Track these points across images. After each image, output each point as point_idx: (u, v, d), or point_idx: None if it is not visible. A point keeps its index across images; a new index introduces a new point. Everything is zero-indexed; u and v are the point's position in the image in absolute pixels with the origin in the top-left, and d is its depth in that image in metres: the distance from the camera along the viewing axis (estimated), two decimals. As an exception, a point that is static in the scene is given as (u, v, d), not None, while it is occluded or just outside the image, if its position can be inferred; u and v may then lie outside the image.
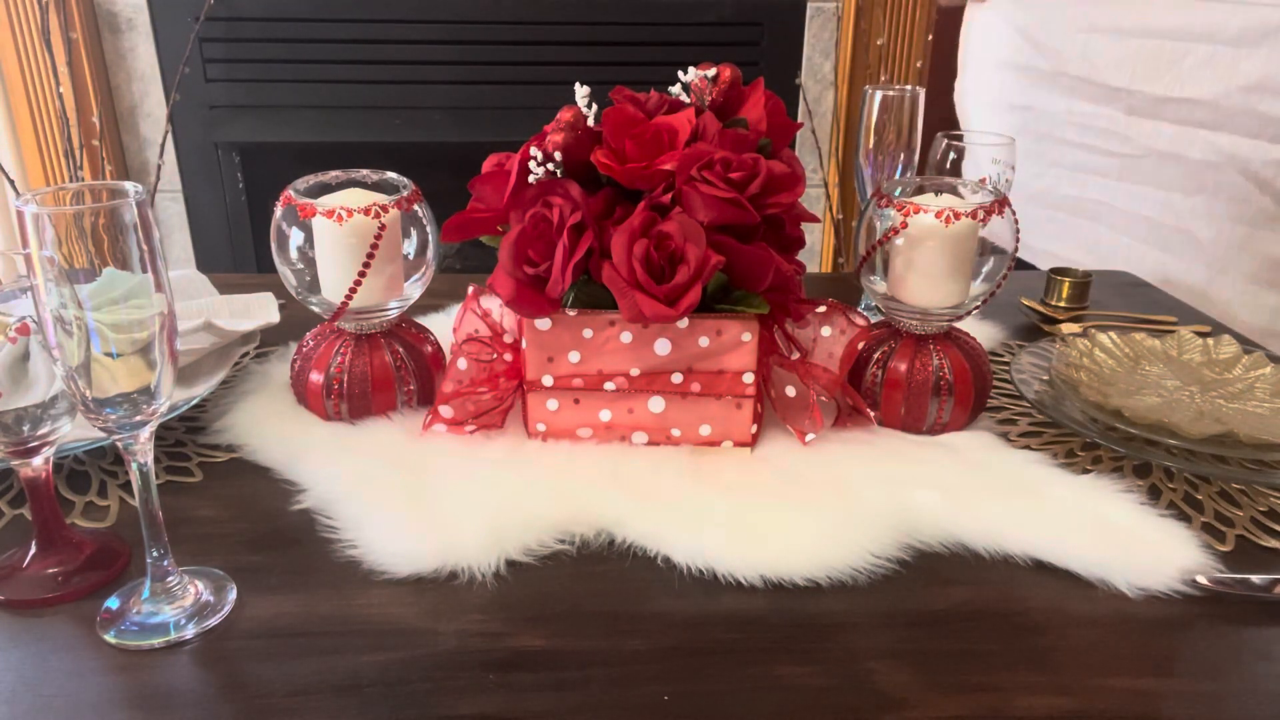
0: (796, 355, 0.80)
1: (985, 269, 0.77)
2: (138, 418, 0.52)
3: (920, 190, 0.79)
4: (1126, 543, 0.64)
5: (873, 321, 0.82)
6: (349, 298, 0.75)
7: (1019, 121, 1.34)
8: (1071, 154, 1.29)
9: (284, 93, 1.94)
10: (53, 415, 0.58)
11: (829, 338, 0.81)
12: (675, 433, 0.75)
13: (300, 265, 0.77)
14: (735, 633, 0.56)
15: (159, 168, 1.91)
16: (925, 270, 0.75)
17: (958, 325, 0.80)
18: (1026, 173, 1.30)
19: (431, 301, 1.01)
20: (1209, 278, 1.21)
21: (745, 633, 0.56)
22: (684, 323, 0.71)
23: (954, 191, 0.78)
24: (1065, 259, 1.32)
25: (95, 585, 0.59)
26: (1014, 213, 0.76)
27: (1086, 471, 0.72)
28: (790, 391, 0.79)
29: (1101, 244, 1.29)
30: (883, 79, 1.99)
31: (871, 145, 0.98)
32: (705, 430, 0.74)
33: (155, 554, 0.56)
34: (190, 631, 0.55)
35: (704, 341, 0.72)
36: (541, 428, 0.75)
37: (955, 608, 0.59)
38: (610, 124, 0.72)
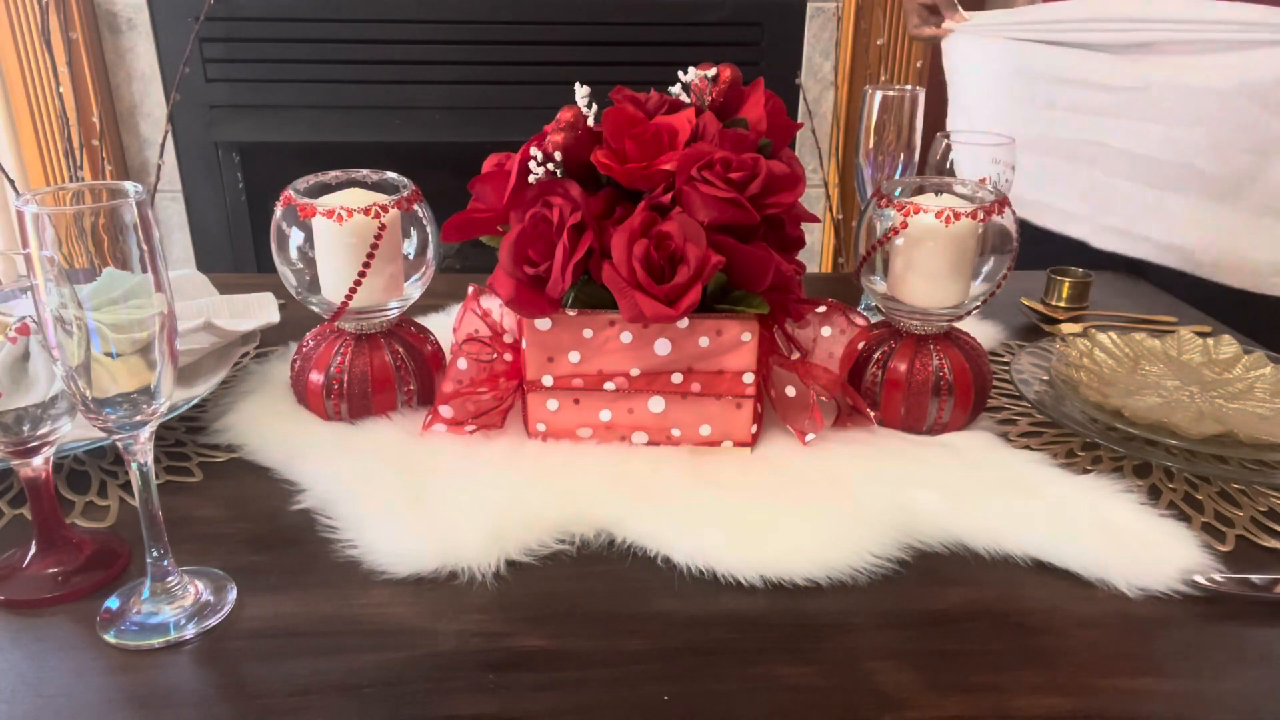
0: (796, 355, 0.80)
1: (985, 269, 0.77)
2: (138, 418, 0.52)
3: (920, 190, 0.79)
4: (1126, 543, 0.64)
5: (873, 321, 0.82)
6: (349, 298, 0.75)
7: (1013, 64, 1.30)
8: (1067, 93, 1.24)
9: (284, 93, 1.94)
10: (53, 415, 0.58)
11: (829, 338, 0.81)
12: (675, 433, 0.75)
13: (300, 265, 0.77)
14: (735, 633, 0.56)
15: (159, 168, 1.91)
16: (925, 270, 0.75)
17: (958, 325, 0.80)
18: (1018, 118, 1.27)
19: (431, 301, 1.01)
20: (1214, 211, 1.15)
21: (745, 633, 0.56)
22: (684, 323, 0.71)
23: (954, 191, 0.78)
24: (1060, 209, 1.28)
25: (95, 585, 0.59)
26: (1014, 212, 0.76)
27: (1086, 471, 0.72)
28: (790, 391, 0.79)
29: (1097, 188, 1.25)
30: (883, 79, 1.99)
31: (871, 145, 0.98)
32: (705, 430, 0.74)
33: (155, 554, 0.56)
34: (190, 631, 0.55)
35: (704, 341, 0.72)
36: (541, 428, 0.75)
37: (955, 608, 0.59)
38: (610, 124, 0.72)
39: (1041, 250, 1.32)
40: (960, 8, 1.30)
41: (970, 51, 1.32)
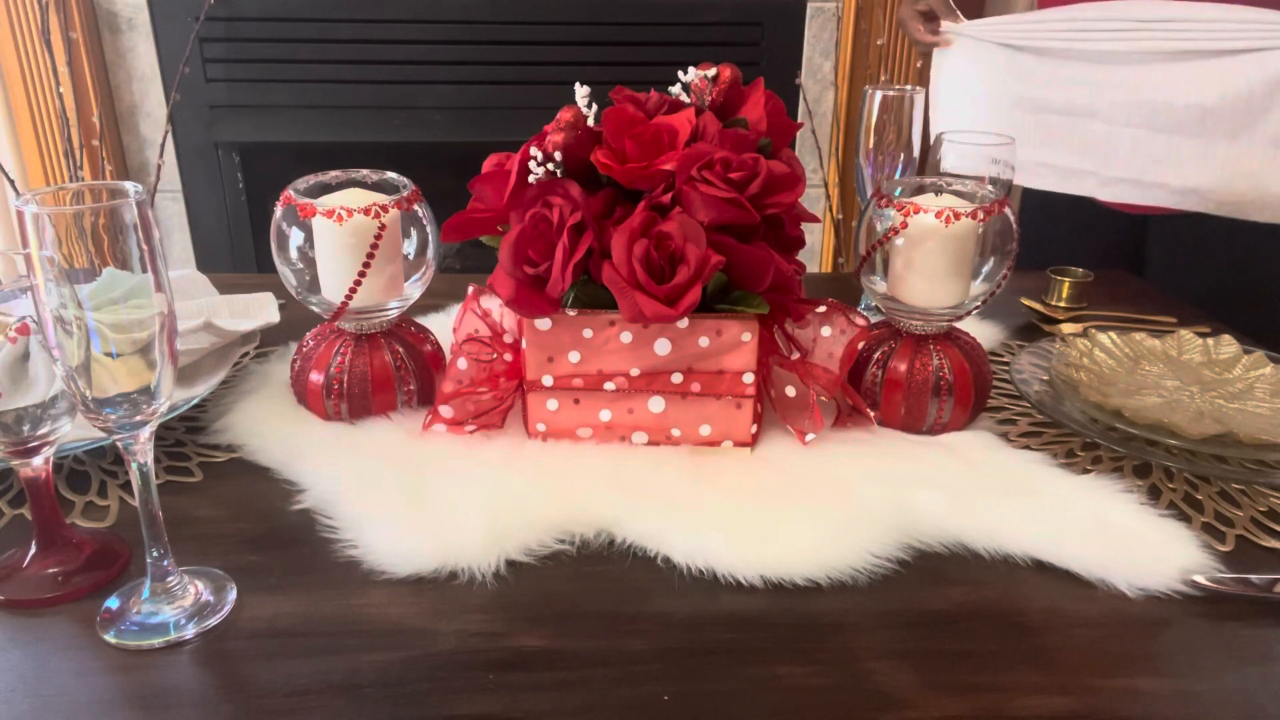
0: (796, 355, 0.80)
1: (985, 269, 0.77)
2: (138, 418, 0.52)
3: (920, 190, 0.79)
4: (1126, 543, 0.64)
5: (873, 321, 0.82)
6: (349, 298, 0.75)
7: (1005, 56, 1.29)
8: (1064, 67, 1.21)
9: (284, 93, 1.94)
10: (53, 415, 0.58)
11: (829, 338, 0.81)
12: (675, 433, 0.75)
13: (300, 265, 0.77)
14: (735, 633, 0.56)
15: (159, 168, 1.91)
16: (925, 270, 0.75)
17: (958, 325, 0.80)
18: (1009, 80, 1.26)
19: (431, 301, 1.01)
20: (1228, 149, 1.12)
21: (745, 633, 0.56)
22: (684, 323, 0.71)
23: (954, 191, 0.78)
24: (1060, 166, 1.25)
25: (95, 585, 0.59)
26: (1014, 212, 0.76)
27: (1086, 471, 0.72)
28: (790, 391, 0.79)
29: (1101, 140, 1.20)
30: (883, 79, 1.99)
31: (871, 145, 0.98)
32: (705, 430, 0.74)
33: (155, 554, 0.56)
34: (190, 631, 0.55)
35: (704, 341, 0.72)
36: (541, 428, 0.75)
37: (955, 608, 0.59)
38: (610, 124, 0.72)
39: (1042, 249, 1.31)
40: (957, 11, 1.29)
41: (962, 54, 1.32)
